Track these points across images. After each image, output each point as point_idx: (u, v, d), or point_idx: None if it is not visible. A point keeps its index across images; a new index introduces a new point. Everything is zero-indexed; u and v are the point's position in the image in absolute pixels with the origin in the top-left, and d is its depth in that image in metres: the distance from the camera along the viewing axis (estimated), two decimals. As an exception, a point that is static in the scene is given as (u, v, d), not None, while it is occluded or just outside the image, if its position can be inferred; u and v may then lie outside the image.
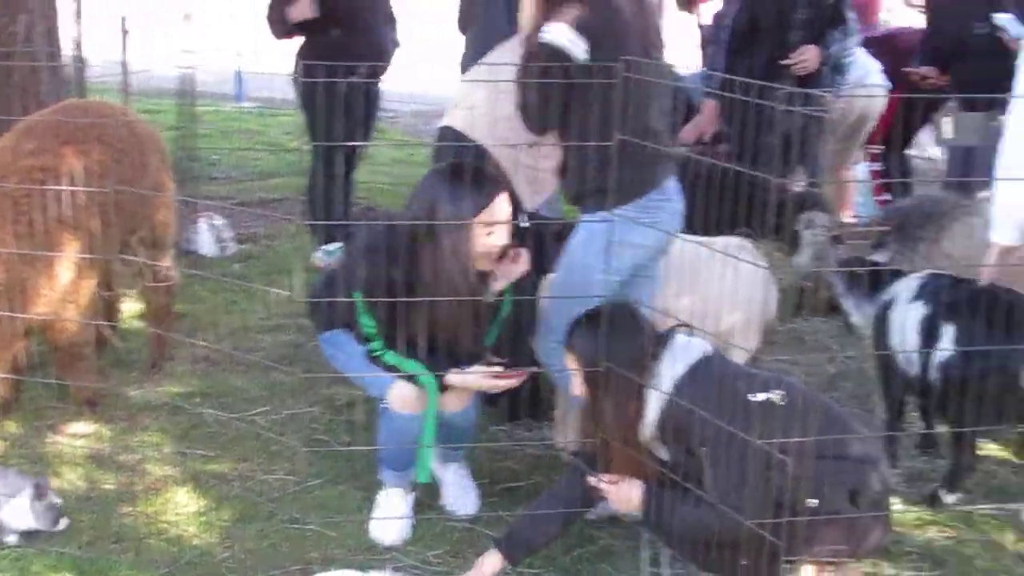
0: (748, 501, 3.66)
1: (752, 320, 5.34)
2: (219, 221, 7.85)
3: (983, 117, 5.36)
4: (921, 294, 4.93)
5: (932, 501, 4.88)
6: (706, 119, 7.20)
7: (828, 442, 3.71)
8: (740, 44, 6.94)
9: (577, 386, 4.07)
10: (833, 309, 5.59)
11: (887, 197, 8.20)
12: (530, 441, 5.42)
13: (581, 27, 4.28)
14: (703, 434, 3.76)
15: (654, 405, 3.88)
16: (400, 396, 4.45)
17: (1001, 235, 4.72)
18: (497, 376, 4.46)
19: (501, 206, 4.36)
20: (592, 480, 4.06)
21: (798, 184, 6.73)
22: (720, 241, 5.02)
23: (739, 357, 5.21)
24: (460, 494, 4.85)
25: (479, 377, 4.46)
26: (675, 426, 3.85)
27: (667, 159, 4.60)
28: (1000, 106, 5.41)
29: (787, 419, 3.59)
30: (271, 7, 7.46)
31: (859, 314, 5.36)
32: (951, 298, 4.80)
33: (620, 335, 3.95)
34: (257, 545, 4.57)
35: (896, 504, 4.84)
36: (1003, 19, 6.25)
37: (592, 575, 4.37)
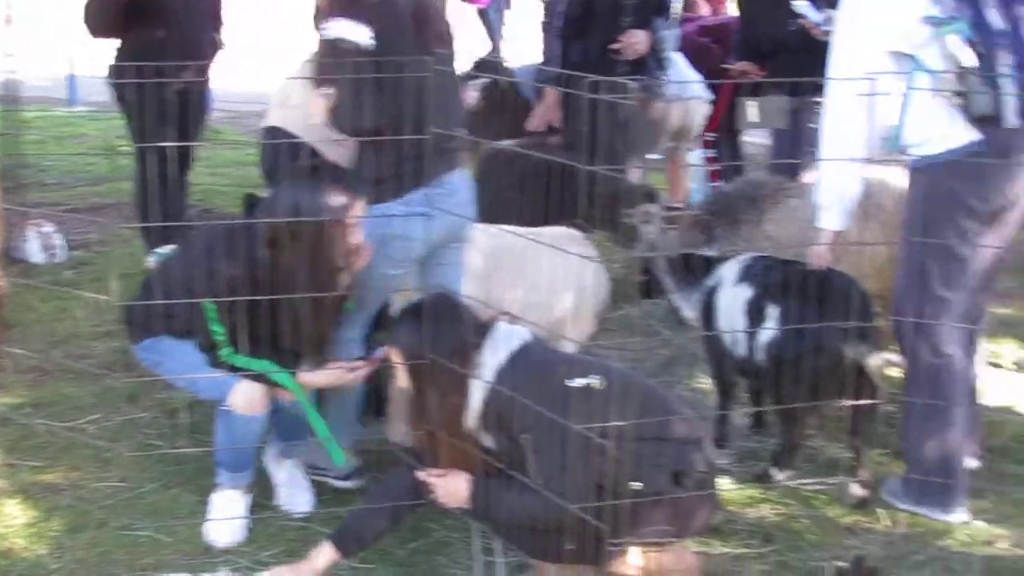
0: (571, 486, 3.66)
1: (584, 308, 5.39)
2: (48, 228, 7.60)
3: (785, 100, 5.47)
4: (745, 276, 5.00)
5: (763, 479, 4.95)
6: (548, 108, 7.24)
7: (649, 424, 3.74)
8: (572, 31, 6.99)
9: (401, 379, 4.05)
10: (660, 293, 5.64)
11: (722, 183, 8.35)
12: (369, 436, 5.35)
13: (360, 17, 4.32)
14: (524, 421, 3.77)
15: (477, 394, 3.87)
16: (245, 397, 4.40)
17: (828, 222, 4.83)
18: (349, 369, 4.50)
19: (360, 204, 4.38)
20: (420, 475, 4.05)
21: (633, 174, 6.84)
22: (548, 232, 5.05)
23: (571, 345, 5.30)
24: (294, 492, 4.81)
25: (334, 374, 4.48)
26: (497, 414, 3.85)
27: (450, 153, 4.61)
28: (817, 92, 5.51)
29: (607, 403, 3.61)
30: (86, 6, 7.28)
31: (687, 303, 5.41)
32: (774, 279, 4.87)
33: (441, 326, 3.93)
34: (89, 554, 4.47)
35: (728, 483, 4.97)
36: (801, 6, 6.39)
37: (427, 567, 4.36)
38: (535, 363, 3.88)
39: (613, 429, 3.49)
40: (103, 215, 8.46)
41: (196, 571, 4.04)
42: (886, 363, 4.67)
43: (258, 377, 4.36)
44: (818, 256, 4.84)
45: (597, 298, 5.52)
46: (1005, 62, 4.42)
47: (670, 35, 7.18)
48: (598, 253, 5.75)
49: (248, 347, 4.31)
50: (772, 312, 4.82)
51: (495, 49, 11.81)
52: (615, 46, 6.91)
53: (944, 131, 4.55)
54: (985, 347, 6.15)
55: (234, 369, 4.36)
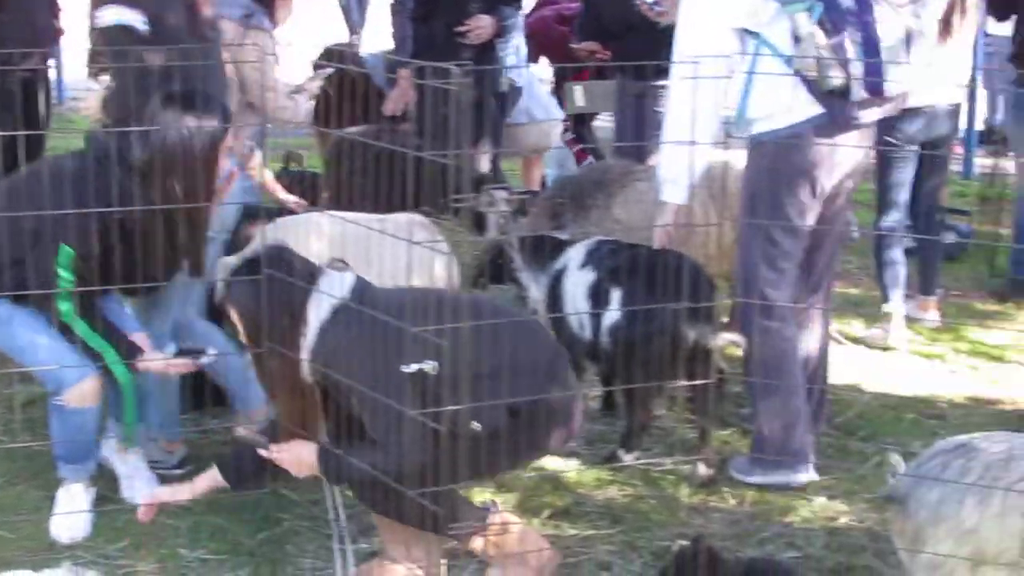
0: (407, 435, 3.62)
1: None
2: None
3: (611, 84, 5.53)
4: (589, 260, 5.01)
5: (611, 461, 4.96)
6: (403, 92, 7.20)
7: (485, 361, 3.68)
8: (421, 12, 6.99)
9: (243, 337, 3.98)
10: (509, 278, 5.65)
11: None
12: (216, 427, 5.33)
13: (134, 2, 4.34)
14: (352, 370, 3.71)
15: (308, 345, 3.80)
16: (77, 391, 4.31)
17: (670, 195, 4.85)
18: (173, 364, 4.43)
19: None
20: (263, 453, 3.96)
21: (483, 159, 6.84)
22: (393, 219, 5.02)
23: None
24: (139, 484, 4.71)
25: (161, 364, 4.41)
26: (326, 365, 3.76)
27: None
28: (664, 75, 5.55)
29: (439, 343, 3.54)
30: None
31: (535, 285, 5.41)
32: (617, 263, 4.89)
33: (273, 280, 3.83)
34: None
35: (577, 465, 5.00)
36: None
37: (277, 557, 4.30)
38: (368, 306, 3.77)
39: (448, 371, 3.50)
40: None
41: (39, 567, 3.92)
42: (728, 343, 4.73)
43: (90, 352, 4.29)
44: (662, 233, 4.87)
45: (446, 284, 5.50)
46: (853, 38, 4.50)
47: (517, 23, 7.20)
48: (447, 239, 5.75)
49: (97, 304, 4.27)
50: (615, 295, 4.85)
51: (352, 35, 11.76)
52: (460, 30, 6.91)
53: (788, 106, 4.63)
54: (833, 326, 6.30)
55: (69, 333, 4.26)
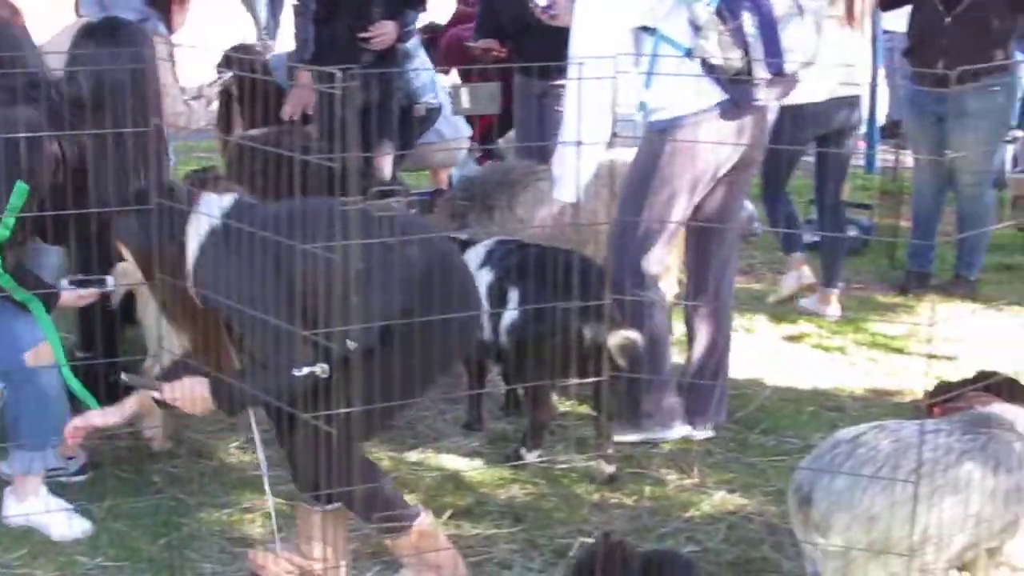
0: (288, 354, 3.61)
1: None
2: None
3: (495, 86, 5.56)
4: (488, 260, 5.02)
5: (513, 459, 4.96)
6: (300, 94, 7.12)
7: (367, 276, 3.63)
8: (323, 14, 6.91)
9: (133, 269, 3.95)
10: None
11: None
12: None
13: None
14: (229, 289, 3.67)
15: (189, 269, 3.76)
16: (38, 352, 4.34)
17: (561, 192, 4.92)
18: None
19: None
20: (155, 395, 3.92)
21: (385, 162, 6.83)
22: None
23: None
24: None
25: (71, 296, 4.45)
26: (205, 286, 3.73)
27: None
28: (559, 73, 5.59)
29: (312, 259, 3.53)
30: None
31: None
32: (515, 262, 4.91)
33: (159, 210, 3.76)
34: None
35: (480, 465, 5.01)
36: None
37: (179, 563, 4.25)
38: (237, 232, 3.70)
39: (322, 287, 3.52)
40: None
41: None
42: (625, 340, 4.74)
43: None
44: (542, 223, 5.02)
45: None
46: (750, 23, 4.62)
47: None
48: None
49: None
50: (513, 295, 4.87)
51: (260, 37, 11.68)
52: (363, 35, 6.88)
53: (691, 93, 4.75)
54: (736, 321, 6.36)
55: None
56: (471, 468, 5.00)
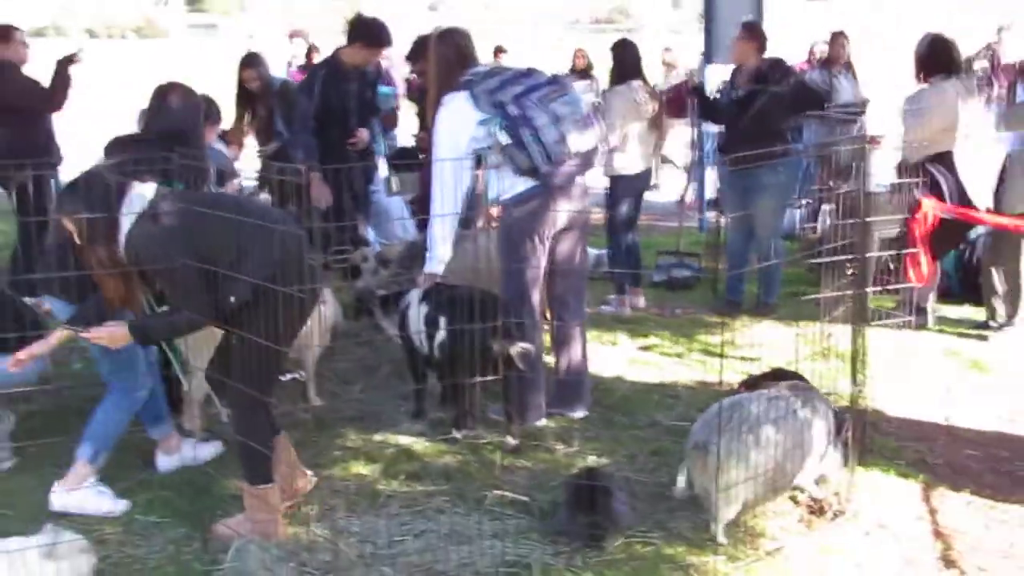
0: (193, 305, 3.74)
1: (320, 326, 5.41)
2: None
3: (415, 174, 5.66)
4: (425, 298, 5.07)
5: (447, 437, 5.01)
6: (323, 189, 6.71)
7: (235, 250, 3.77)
8: (318, 127, 6.79)
9: (76, 238, 3.84)
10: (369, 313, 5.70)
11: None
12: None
13: None
14: (153, 255, 3.74)
15: (122, 240, 3.77)
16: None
17: (429, 266, 5.07)
18: None
19: None
20: (85, 335, 3.94)
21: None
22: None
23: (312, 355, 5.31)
24: None
25: None
26: (135, 251, 3.76)
27: None
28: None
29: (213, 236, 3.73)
30: None
31: (386, 319, 5.49)
32: (443, 299, 4.96)
33: (92, 193, 3.80)
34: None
35: (424, 441, 5.03)
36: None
37: (207, 517, 4.21)
38: (158, 215, 3.80)
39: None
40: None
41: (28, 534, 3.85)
42: (523, 349, 4.78)
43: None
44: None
45: (331, 319, 5.55)
46: (527, 134, 4.75)
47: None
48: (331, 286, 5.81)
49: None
50: (442, 321, 4.91)
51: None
52: (351, 141, 6.87)
53: (510, 183, 4.90)
54: (605, 337, 6.46)
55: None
56: (417, 444, 5.02)
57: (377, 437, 5.09)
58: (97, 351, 4.32)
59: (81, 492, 4.37)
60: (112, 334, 3.87)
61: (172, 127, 4.69)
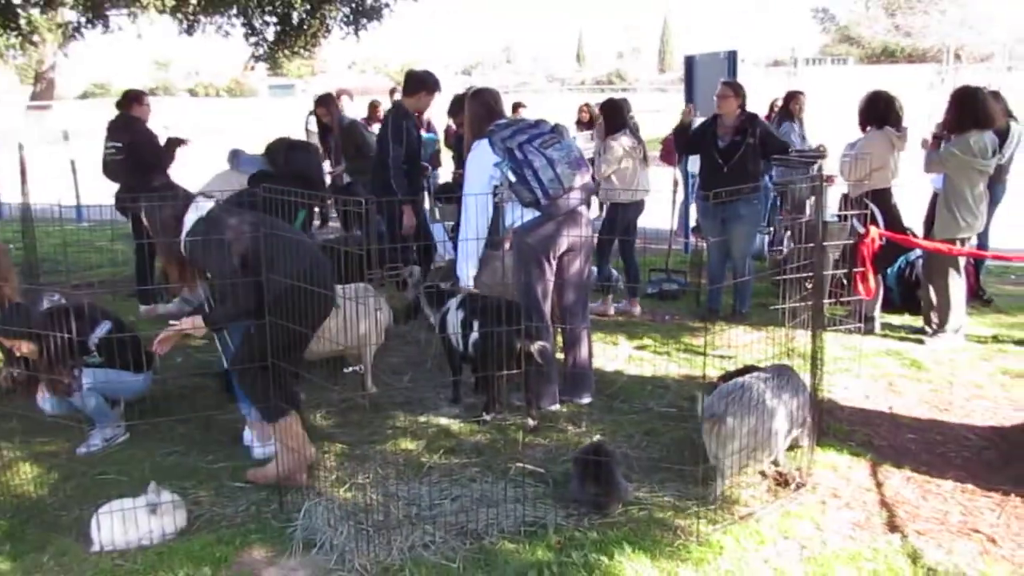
0: (239, 293, 3.92)
1: (377, 328, 5.41)
2: (56, 296, 7.17)
3: (454, 207, 5.65)
4: (461, 305, 5.04)
5: (478, 419, 4.98)
6: (412, 217, 6.71)
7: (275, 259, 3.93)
8: (406, 167, 6.69)
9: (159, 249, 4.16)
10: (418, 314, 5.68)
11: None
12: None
13: None
14: (207, 263, 3.99)
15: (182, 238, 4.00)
16: None
17: (461, 280, 5.03)
18: None
19: None
20: (176, 326, 4.09)
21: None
22: (353, 286, 5.03)
23: (370, 351, 5.28)
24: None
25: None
26: (191, 252, 3.99)
27: None
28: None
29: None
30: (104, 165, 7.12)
31: (430, 307, 5.44)
32: (477, 306, 4.93)
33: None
34: (74, 492, 4.26)
35: (459, 423, 5.01)
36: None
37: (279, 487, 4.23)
38: (211, 221, 4.00)
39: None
40: (94, 287, 7.96)
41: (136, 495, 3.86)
42: (541, 347, 4.76)
43: None
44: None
45: (384, 322, 5.54)
46: (528, 174, 4.76)
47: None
48: (383, 295, 5.79)
49: None
50: (475, 324, 4.88)
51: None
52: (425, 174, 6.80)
53: (520, 214, 4.88)
54: (607, 338, 6.40)
55: None
56: (454, 425, 4.99)
57: (421, 419, 5.07)
58: (226, 338, 4.57)
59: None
60: (194, 323, 4.03)
61: (302, 170, 5.03)
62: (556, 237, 4.93)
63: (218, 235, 3.92)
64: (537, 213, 4.88)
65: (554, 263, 5.00)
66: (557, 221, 4.91)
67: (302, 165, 5.11)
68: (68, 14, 10.52)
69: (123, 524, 3.71)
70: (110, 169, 7.25)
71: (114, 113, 7.32)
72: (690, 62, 9.17)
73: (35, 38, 9.90)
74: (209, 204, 4.06)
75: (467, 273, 4.99)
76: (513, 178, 4.76)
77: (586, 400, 5.26)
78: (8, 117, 29.16)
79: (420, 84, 6.76)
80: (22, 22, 8.19)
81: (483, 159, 4.87)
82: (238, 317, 4.03)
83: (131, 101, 7.34)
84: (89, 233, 11.05)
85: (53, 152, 14.09)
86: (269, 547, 3.71)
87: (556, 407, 5.14)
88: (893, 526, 3.85)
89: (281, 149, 5.19)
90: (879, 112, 6.50)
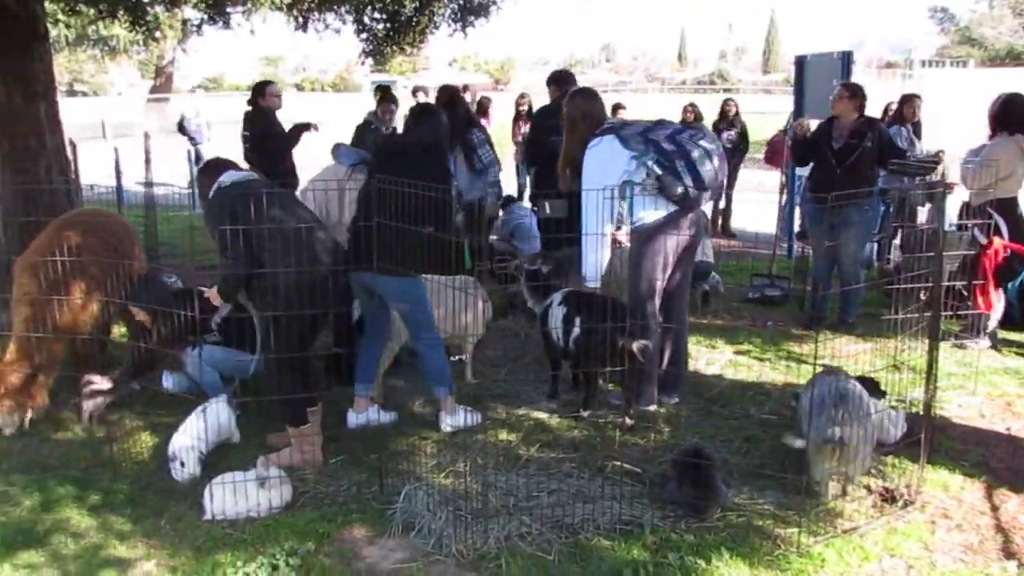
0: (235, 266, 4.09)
1: (478, 319, 5.47)
2: (173, 278, 7.52)
3: (564, 201, 5.59)
4: (563, 301, 5.06)
5: (575, 415, 4.99)
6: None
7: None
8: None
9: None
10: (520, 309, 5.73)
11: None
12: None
13: None
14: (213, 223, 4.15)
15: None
16: None
17: (587, 276, 4.89)
18: None
19: None
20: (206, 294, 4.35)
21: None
22: (458, 279, 5.10)
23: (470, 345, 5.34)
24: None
25: None
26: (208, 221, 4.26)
27: None
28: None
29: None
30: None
31: (536, 307, 5.48)
32: (578, 302, 4.94)
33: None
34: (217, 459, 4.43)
35: (556, 418, 5.02)
36: None
37: (385, 464, 4.24)
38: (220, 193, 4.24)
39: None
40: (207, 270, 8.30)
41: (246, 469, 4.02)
42: (642, 345, 4.72)
43: None
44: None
45: (485, 315, 5.60)
46: (681, 164, 4.68)
47: None
48: (484, 288, 5.86)
49: None
50: (577, 320, 4.88)
51: None
52: None
53: (654, 209, 4.79)
54: (705, 342, 6.31)
55: None
56: (551, 419, 5.01)
57: (518, 412, 5.11)
58: (405, 316, 4.76)
59: (459, 414, 4.79)
60: (213, 294, 4.27)
61: (424, 136, 4.72)
62: (684, 233, 4.89)
63: (219, 205, 4.13)
64: (668, 210, 4.80)
65: (672, 262, 4.94)
66: (688, 217, 4.87)
67: (425, 132, 4.74)
68: (189, 12, 11.00)
69: (234, 496, 3.87)
70: (246, 158, 7.64)
71: (236, 106, 7.68)
72: (801, 63, 8.95)
73: (157, 34, 10.41)
74: (228, 178, 4.27)
75: (596, 270, 4.82)
76: (659, 170, 4.69)
77: (674, 400, 5.22)
78: (130, 109, 30.66)
79: (558, 80, 6.83)
80: (149, 19, 8.59)
81: (608, 155, 4.76)
82: (233, 284, 4.18)
83: (258, 92, 7.77)
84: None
85: (170, 142, 14.74)
86: (369, 527, 3.82)
87: (653, 407, 5.10)
88: (1009, 552, 3.67)
89: (412, 115, 4.91)
90: (1014, 117, 6.21)
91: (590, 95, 5.13)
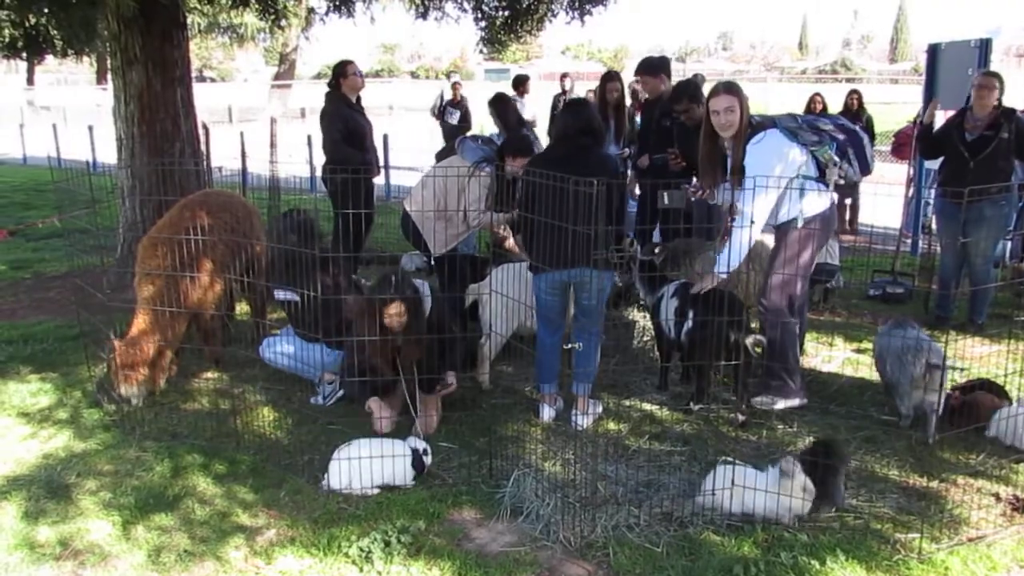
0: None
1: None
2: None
3: (684, 191, 5.43)
4: (676, 292, 5.02)
5: (686, 408, 4.94)
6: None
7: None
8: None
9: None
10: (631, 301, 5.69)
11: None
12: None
13: None
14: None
15: None
16: None
17: (720, 266, 4.71)
18: None
19: None
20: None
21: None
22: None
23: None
24: None
25: None
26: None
27: None
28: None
29: None
30: None
31: (649, 298, 5.46)
32: (691, 295, 4.86)
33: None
34: (306, 437, 4.63)
35: (665, 410, 4.99)
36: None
37: (493, 448, 4.32)
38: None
39: None
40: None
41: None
42: (756, 340, 4.64)
43: None
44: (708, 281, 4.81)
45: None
46: (852, 154, 4.73)
47: None
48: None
49: None
50: (689, 313, 4.83)
51: None
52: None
53: (815, 203, 4.73)
54: (823, 339, 6.11)
55: None
56: (659, 411, 4.97)
57: (626, 402, 5.08)
58: (590, 309, 4.64)
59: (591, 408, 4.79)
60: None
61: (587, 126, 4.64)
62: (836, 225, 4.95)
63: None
64: (827, 204, 4.78)
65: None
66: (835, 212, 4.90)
67: (580, 118, 4.62)
68: (315, 0, 11.34)
69: (350, 471, 4.00)
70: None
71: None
72: (934, 51, 8.52)
73: (283, 22, 10.79)
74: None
75: (737, 263, 4.69)
76: (838, 159, 4.69)
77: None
78: (254, 95, 31.88)
79: (659, 68, 6.86)
80: (278, 7, 8.90)
81: (776, 148, 4.66)
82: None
83: (337, 76, 7.21)
84: (322, 202, 11.90)
85: (293, 128, 15.27)
86: (478, 509, 3.88)
87: (794, 403, 4.97)
88: None
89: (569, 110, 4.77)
90: None
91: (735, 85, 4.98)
